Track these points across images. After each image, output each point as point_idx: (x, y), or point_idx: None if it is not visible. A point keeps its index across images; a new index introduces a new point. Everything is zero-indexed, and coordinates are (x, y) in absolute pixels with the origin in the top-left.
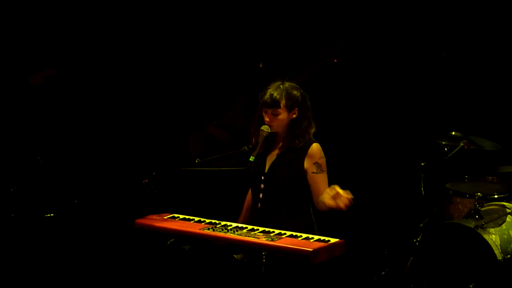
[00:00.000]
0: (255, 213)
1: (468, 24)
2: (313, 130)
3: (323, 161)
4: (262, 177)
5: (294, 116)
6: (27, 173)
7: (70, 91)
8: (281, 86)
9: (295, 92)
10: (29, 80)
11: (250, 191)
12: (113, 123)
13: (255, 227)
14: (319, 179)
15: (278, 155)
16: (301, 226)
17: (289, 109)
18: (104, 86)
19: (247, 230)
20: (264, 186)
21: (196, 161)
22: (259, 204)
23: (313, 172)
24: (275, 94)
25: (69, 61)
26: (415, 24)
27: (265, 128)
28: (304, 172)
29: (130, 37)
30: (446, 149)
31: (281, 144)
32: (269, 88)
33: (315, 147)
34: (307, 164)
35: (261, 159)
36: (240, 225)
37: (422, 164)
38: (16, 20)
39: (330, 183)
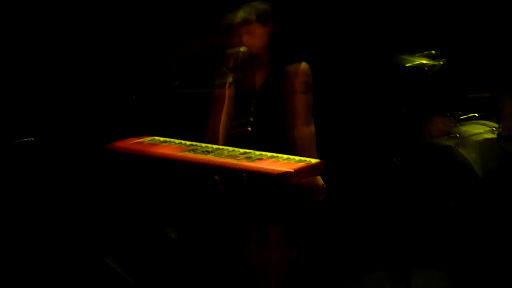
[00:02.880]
0: (231, 136)
1: None
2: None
3: (308, 81)
4: (250, 100)
5: (270, 30)
6: None
7: None
8: (246, 5)
9: (263, 6)
10: None
11: (225, 112)
12: (97, 43)
13: (237, 149)
14: (302, 100)
15: (264, 77)
16: (292, 148)
17: (263, 23)
18: None
19: (228, 152)
20: (252, 108)
21: (176, 83)
22: (248, 127)
23: (297, 92)
24: (243, 12)
25: None
26: None
27: (242, 48)
28: (292, 93)
29: None
30: (425, 68)
31: (264, 63)
32: (236, 10)
33: (302, 65)
34: (293, 83)
35: (246, 81)
36: (221, 147)
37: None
38: None
39: None
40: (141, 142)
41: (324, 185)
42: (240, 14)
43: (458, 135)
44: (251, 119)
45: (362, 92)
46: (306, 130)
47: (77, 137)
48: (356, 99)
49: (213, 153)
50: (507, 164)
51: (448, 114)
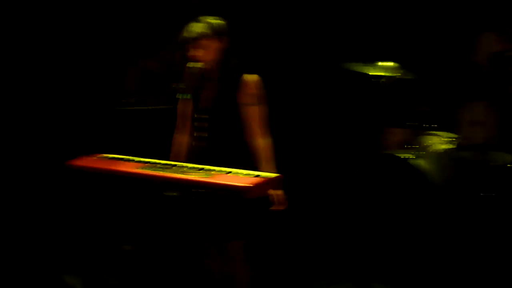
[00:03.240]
0: (195, 152)
1: None
2: (242, 63)
3: (260, 92)
4: (201, 115)
5: (222, 45)
6: None
7: None
8: (202, 20)
9: (218, 21)
10: None
11: (178, 128)
12: (50, 56)
13: (189, 165)
14: (254, 111)
15: (214, 91)
16: (246, 161)
17: (217, 38)
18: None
19: (180, 167)
20: (203, 124)
21: (124, 100)
22: (200, 143)
23: (248, 104)
24: (198, 26)
25: None
26: None
27: (193, 64)
28: (242, 105)
29: None
30: (381, 80)
31: (213, 78)
32: (190, 25)
33: (251, 77)
34: (244, 95)
35: (196, 97)
36: (173, 162)
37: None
38: None
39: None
40: (101, 159)
41: (285, 195)
42: (198, 28)
43: (417, 146)
44: (206, 135)
45: (321, 102)
46: (262, 141)
47: (35, 151)
48: (314, 109)
49: (172, 170)
50: (465, 174)
51: (406, 125)
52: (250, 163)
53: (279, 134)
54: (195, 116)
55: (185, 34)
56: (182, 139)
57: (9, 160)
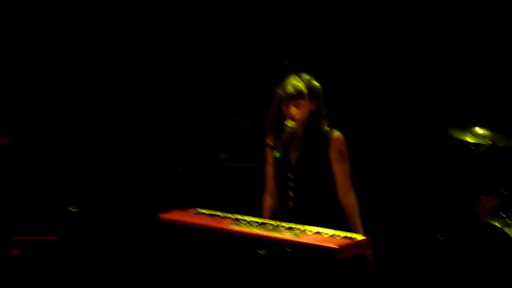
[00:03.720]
0: (284, 210)
1: (497, 20)
2: (327, 122)
3: (345, 149)
4: (290, 175)
5: (314, 108)
6: (50, 166)
7: (91, 82)
8: (300, 77)
9: (315, 83)
10: (53, 71)
11: (268, 188)
12: (138, 114)
13: (282, 223)
14: (342, 168)
15: (301, 150)
16: (338, 217)
17: (311, 99)
18: (130, 74)
19: (273, 226)
20: (293, 183)
21: (222, 156)
22: (290, 202)
23: (337, 161)
24: (299, 85)
25: (89, 53)
26: (443, 19)
27: (290, 123)
28: (330, 162)
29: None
30: (473, 147)
31: (300, 136)
32: (288, 81)
33: (337, 134)
34: (331, 152)
35: (284, 155)
36: (266, 220)
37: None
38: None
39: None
40: (193, 214)
41: (372, 254)
42: (294, 86)
43: (504, 215)
44: (292, 194)
45: (409, 165)
46: (349, 198)
47: (127, 205)
48: (407, 171)
49: (257, 227)
50: None
51: (494, 193)
52: (338, 221)
53: (368, 192)
54: (283, 174)
55: (281, 90)
56: (271, 197)
57: (104, 209)
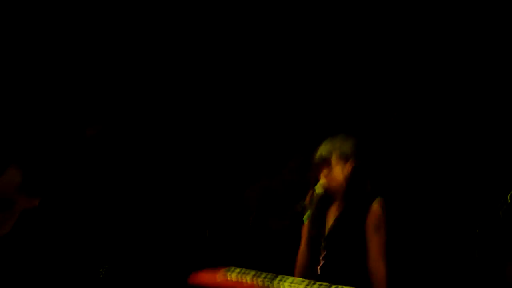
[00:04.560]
0: (310, 274)
1: None
2: (370, 185)
3: (383, 220)
4: (323, 241)
5: (349, 170)
6: (78, 226)
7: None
8: (331, 141)
9: (347, 144)
10: (86, 131)
11: (301, 249)
12: (168, 175)
13: (312, 281)
14: (376, 240)
15: (337, 216)
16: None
17: (343, 162)
18: (159, 138)
19: (305, 284)
20: (325, 249)
21: (250, 219)
22: (319, 269)
23: (371, 232)
24: (324, 152)
25: (120, 115)
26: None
27: (317, 188)
28: (365, 232)
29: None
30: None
31: (339, 200)
32: (319, 147)
33: (377, 204)
34: (367, 222)
35: (319, 219)
36: (297, 278)
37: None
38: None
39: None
40: (218, 274)
41: None
42: (322, 151)
43: None
44: (322, 262)
45: (438, 235)
46: (380, 270)
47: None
48: (431, 240)
49: (289, 285)
50: None
51: None
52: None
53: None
54: (317, 239)
55: (314, 156)
56: (305, 262)
57: (132, 269)
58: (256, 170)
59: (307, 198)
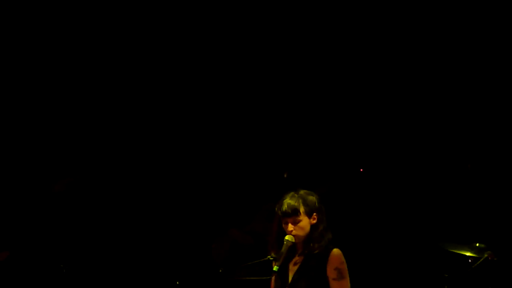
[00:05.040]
0: None
1: (492, 134)
2: (329, 236)
3: (344, 267)
4: None
5: (314, 222)
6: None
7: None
8: (296, 194)
9: (311, 198)
10: (54, 187)
11: None
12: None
13: None
14: (339, 287)
15: (299, 264)
16: None
17: (309, 215)
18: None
19: None
20: None
21: (220, 270)
22: None
23: (333, 279)
24: (292, 203)
25: (86, 169)
26: (438, 135)
27: (289, 237)
28: (327, 279)
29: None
30: (469, 260)
31: (300, 251)
32: (285, 199)
33: (336, 252)
34: (328, 270)
35: (283, 269)
36: None
37: (446, 275)
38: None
39: None
40: None
41: None
42: (290, 202)
43: None
44: None
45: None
46: None
47: None
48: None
49: None
50: None
51: None
52: None
53: None
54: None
55: (278, 208)
56: None
57: None
58: (225, 222)
59: (272, 250)
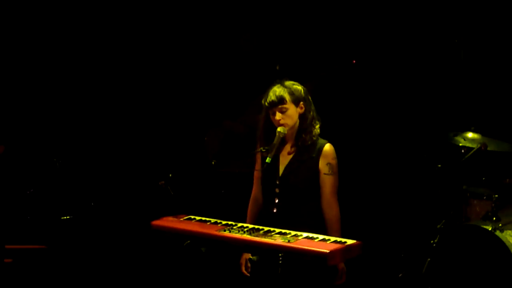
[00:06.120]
0: (268, 216)
1: (487, 20)
2: (319, 125)
3: (335, 162)
4: (277, 181)
5: (301, 111)
6: (43, 175)
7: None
8: (282, 84)
9: (296, 87)
10: None
11: (254, 194)
12: (127, 123)
13: (271, 229)
14: (330, 181)
15: (291, 157)
16: (319, 227)
17: (296, 103)
18: (119, 85)
19: (264, 232)
20: (279, 189)
21: (213, 162)
22: (275, 208)
23: (325, 173)
24: (278, 91)
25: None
26: (430, 18)
27: (281, 129)
28: (318, 173)
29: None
30: (462, 150)
31: (290, 143)
32: (271, 90)
33: (329, 147)
34: (320, 164)
35: (273, 162)
36: (256, 226)
37: (439, 166)
38: None
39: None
40: (184, 221)
41: (345, 268)
42: (276, 94)
43: (495, 218)
44: (277, 201)
45: (395, 169)
46: (333, 211)
47: (115, 213)
48: (394, 175)
49: (248, 232)
50: None
51: (485, 197)
52: (318, 232)
53: (359, 195)
54: (271, 180)
55: (264, 99)
56: (257, 203)
57: (96, 217)
58: (219, 113)
59: (268, 141)
